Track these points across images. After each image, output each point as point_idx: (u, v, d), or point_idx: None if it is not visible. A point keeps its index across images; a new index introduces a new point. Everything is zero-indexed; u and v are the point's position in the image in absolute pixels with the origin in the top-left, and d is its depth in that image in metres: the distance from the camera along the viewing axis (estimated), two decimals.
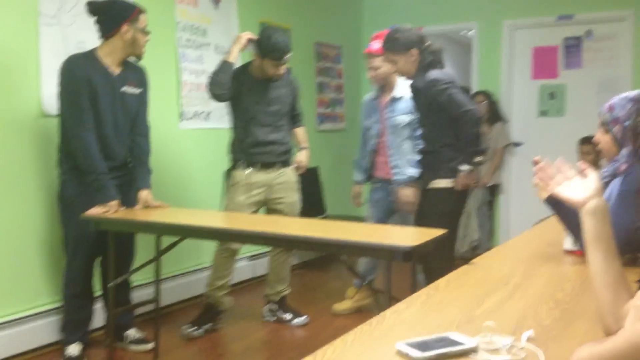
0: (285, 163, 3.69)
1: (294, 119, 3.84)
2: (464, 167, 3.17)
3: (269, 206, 3.67)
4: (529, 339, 1.17)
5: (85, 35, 3.52)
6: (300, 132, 3.88)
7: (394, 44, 3.24)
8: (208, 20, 4.49)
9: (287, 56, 3.50)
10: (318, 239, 2.50)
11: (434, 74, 3.19)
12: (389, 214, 3.89)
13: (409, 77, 3.34)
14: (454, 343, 1.14)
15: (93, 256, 3.20)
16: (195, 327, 3.54)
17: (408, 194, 3.61)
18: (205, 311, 3.62)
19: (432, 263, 3.10)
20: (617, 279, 1.15)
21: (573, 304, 1.42)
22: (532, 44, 5.61)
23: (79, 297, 3.18)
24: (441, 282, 1.66)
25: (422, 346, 1.12)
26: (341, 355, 1.14)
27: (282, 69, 3.54)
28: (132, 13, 3.06)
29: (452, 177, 3.20)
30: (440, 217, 3.11)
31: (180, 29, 4.22)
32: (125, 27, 3.02)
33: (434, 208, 3.23)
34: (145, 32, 3.10)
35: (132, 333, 3.38)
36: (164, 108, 4.03)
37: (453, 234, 3.28)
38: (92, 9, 3.09)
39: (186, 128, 4.28)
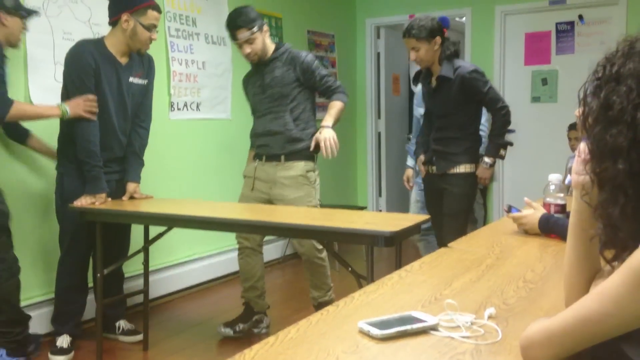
0: (293, 155, 3.31)
1: (324, 93, 3.36)
2: (488, 160, 3.38)
3: (273, 203, 3.33)
4: (490, 317, 1.17)
5: (71, 26, 3.52)
6: (330, 106, 3.30)
7: (420, 31, 3.27)
8: (198, 10, 4.48)
9: (241, 34, 3.19)
10: (301, 225, 2.51)
11: (468, 64, 3.37)
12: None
13: (426, 66, 3.40)
14: (415, 321, 1.14)
15: (89, 249, 3.20)
16: (225, 326, 3.42)
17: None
18: (243, 312, 3.48)
19: (447, 240, 3.17)
20: (593, 265, 1.13)
21: (541, 284, 1.42)
22: (524, 29, 5.59)
23: (73, 289, 3.19)
24: (415, 264, 1.66)
25: (383, 324, 1.12)
26: (304, 334, 1.15)
27: (247, 49, 3.23)
28: (137, 5, 3.00)
29: (471, 162, 3.41)
30: (461, 199, 3.43)
31: (169, 19, 4.21)
32: (125, 17, 2.98)
33: (458, 191, 3.42)
34: (148, 29, 3.02)
35: (122, 324, 3.39)
36: (154, 98, 4.01)
37: (471, 214, 3.59)
38: None
39: (177, 119, 4.28)
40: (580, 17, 5.32)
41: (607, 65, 0.93)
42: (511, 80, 5.68)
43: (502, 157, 3.45)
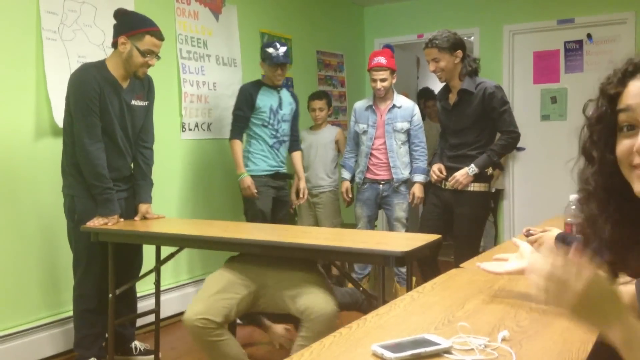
0: None
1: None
2: (475, 168, 3.38)
3: None
4: (503, 340, 1.17)
5: (85, 49, 3.57)
6: None
7: (443, 41, 3.34)
8: (209, 32, 4.53)
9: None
10: (312, 245, 2.52)
11: (491, 81, 3.43)
12: (376, 211, 4.36)
13: (446, 79, 3.45)
14: (429, 344, 1.15)
15: (105, 270, 3.14)
16: None
17: (420, 190, 4.14)
18: None
19: (460, 261, 3.17)
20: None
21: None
22: (532, 48, 5.61)
23: (94, 312, 3.11)
24: (427, 285, 1.66)
25: (397, 347, 1.13)
26: (317, 357, 1.15)
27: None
28: (135, 29, 3.00)
29: (485, 181, 3.45)
30: (473, 220, 3.46)
31: (181, 41, 4.27)
32: (122, 39, 2.99)
33: (470, 211, 3.44)
34: (143, 54, 3.00)
35: (138, 344, 3.37)
36: (165, 119, 4.06)
37: (482, 233, 3.63)
38: (114, 15, 3.11)
39: (188, 139, 4.32)
40: (589, 35, 5.33)
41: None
42: (520, 98, 5.69)
43: (486, 174, 3.45)
